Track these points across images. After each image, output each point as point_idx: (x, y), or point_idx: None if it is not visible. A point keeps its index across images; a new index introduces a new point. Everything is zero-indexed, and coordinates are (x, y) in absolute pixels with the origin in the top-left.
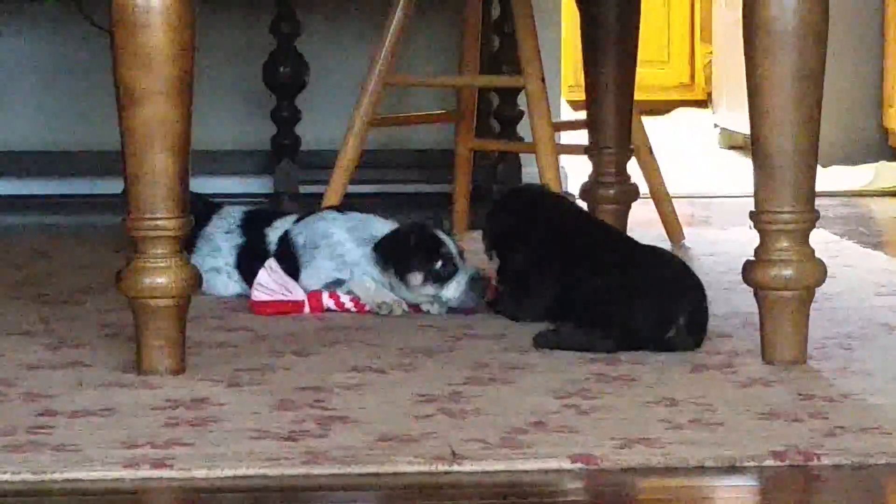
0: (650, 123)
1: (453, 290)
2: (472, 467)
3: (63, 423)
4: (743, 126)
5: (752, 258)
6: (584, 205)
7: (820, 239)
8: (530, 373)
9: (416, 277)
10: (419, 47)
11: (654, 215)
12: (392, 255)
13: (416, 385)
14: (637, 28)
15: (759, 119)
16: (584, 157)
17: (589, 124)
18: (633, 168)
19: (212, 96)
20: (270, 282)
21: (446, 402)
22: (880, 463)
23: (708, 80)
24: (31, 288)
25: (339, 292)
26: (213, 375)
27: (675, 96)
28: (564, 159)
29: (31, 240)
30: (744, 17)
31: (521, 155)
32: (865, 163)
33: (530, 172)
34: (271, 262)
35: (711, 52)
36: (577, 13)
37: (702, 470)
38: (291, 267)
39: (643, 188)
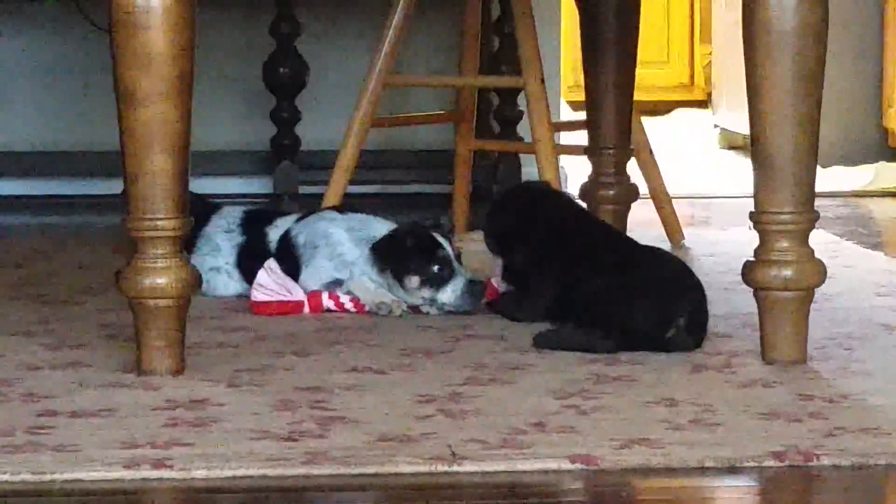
0: (650, 124)
1: (450, 294)
2: (472, 468)
3: (63, 423)
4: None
5: (752, 258)
6: (583, 205)
7: (820, 239)
8: (530, 373)
9: (413, 281)
10: (419, 47)
11: (654, 215)
12: (389, 258)
13: (416, 385)
14: (637, 28)
15: (758, 119)
16: (584, 158)
17: (589, 125)
18: (633, 168)
19: (212, 96)
20: (270, 282)
21: (446, 403)
22: (880, 463)
23: (708, 80)
24: (31, 288)
25: (339, 292)
26: (213, 376)
27: (674, 97)
28: (564, 160)
29: (31, 240)
30: (743, 17)
31: (521, 155)
32: (865, 163)
33: (530, 172)
34: (271, 263)
35: (711, 53)
36: (577, 13)
37: (702, 470)
38: (292, 266)
39: (643, 188)
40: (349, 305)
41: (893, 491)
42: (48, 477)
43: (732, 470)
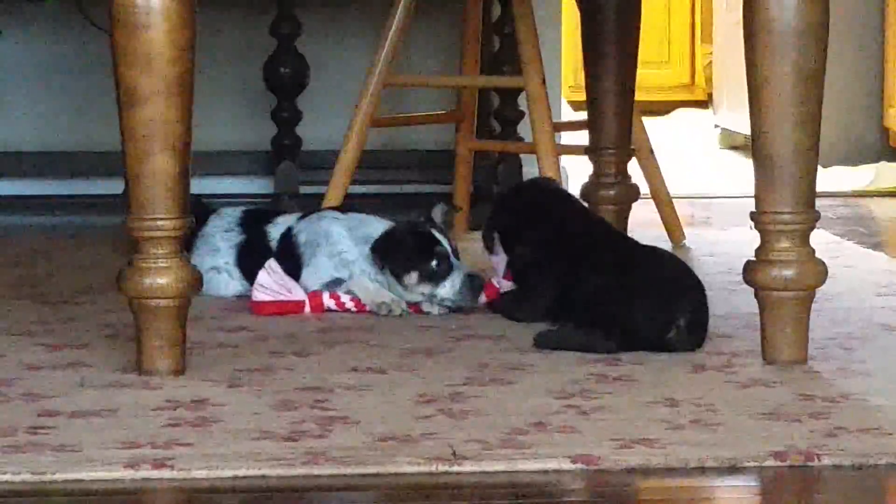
0: (650, 124)
1: (449, 289)
2: (473, 468)
3: (63, 423)
4: (743, 126)
5: (753, 259)
6: (585, 204)
7: (820, 239)
8: (530, 373)
9: (412, 277)
10: (419, 47)
11: (655, 216)
12: (387, 255)
13: (417, 385)
14: (637, 28)
15: (759, 119)
16: (585, 158)
17: (589, 125)
18: (634, 168)
19: (212, 97)
20: (271, 282)
21: (446, 403)
22: (881, 463)
23: (708, 80)
24: (31, 288)
25: (339, 292)
26: (213, 376)
27: (675, 97)
28: (565, 160)
29: (31, 240)
30: (744, 17)
31: (521, 155)
32: (866, 163)
33: (531, 172)
34: (271, 263)
35: (712, 53)
36: (578, 13)
37: (702, 470)
38: (293, 265)
39: (644, 189)
40: (350, 305)
41: (894, 491)
42: (49, 477)
43: (733, 470)
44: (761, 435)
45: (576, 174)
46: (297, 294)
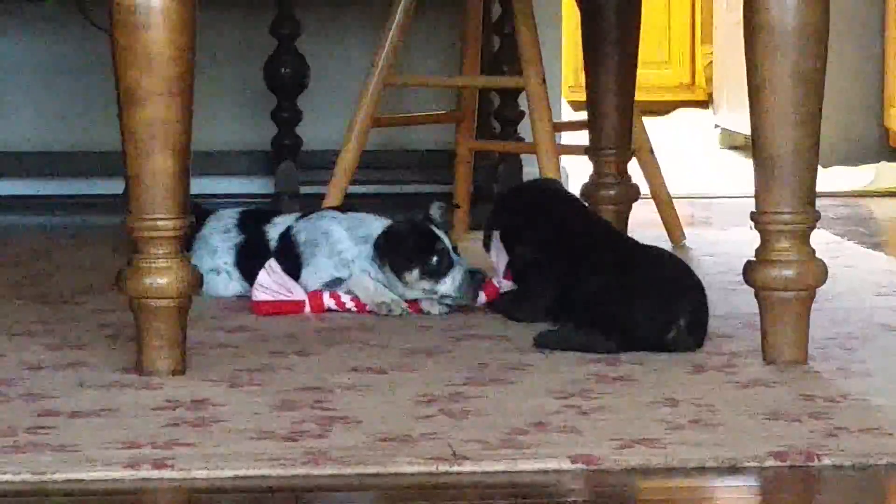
0: (651, 124)
1: (449, 285)
2: (473, 468)
3: (63, 423)
4: (743, 126)
5: (753, 259)
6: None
7: (821, 239)
8: (530, 373)
9: (413, 273)
10: (419, 47)
11: (655, 216)
12: (387, 252)
13: (417, 385)
14: (638, 28)
15: (759, 119)
16: (585, 158)
17: (589, 125)
18: (634, 168)
19: (212, 97)
20: (271, 282)
21: (446, 403)
22: (881, 463)
23: (709, 80)
24: (31, 288)
25: (340, 292)
26: (213, 376)
27: (675, 97)
28: (565, 160)
29: (31, 240)
30: (744, 17)
31: (521, 155)
32: (866, 163)
33: (531, 173)
34: (272, 263)
35: (712, 53)
36: (578, 13)
37: (702, 470)
38: (292, 264)
39: (644, 189)
40: (350, 305)
41: (894, 491)
42: (49, 477)
43: (733, 470)
44: (761, 435)
45: (576, 174)
46: (298, 294)
